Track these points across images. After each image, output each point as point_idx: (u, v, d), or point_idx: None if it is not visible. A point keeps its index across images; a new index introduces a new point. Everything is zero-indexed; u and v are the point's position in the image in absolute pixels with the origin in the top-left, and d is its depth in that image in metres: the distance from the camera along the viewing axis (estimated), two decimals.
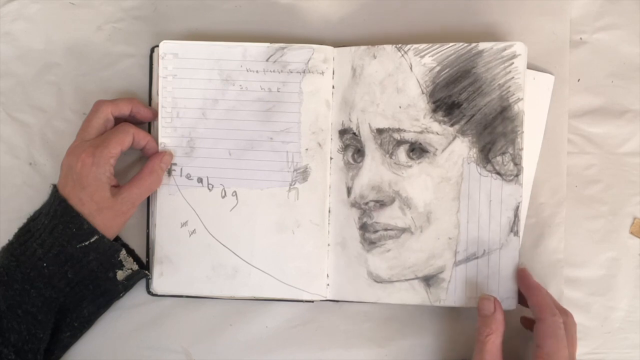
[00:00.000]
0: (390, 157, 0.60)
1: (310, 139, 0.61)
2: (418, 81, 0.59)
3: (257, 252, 0.62)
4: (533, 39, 0.62)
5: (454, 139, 0.59)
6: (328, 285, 0.62)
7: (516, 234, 0.58)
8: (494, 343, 0.55)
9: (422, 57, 0.59)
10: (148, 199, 0.63)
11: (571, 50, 0.63)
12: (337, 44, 0.62)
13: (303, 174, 0.62)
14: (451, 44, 0.59)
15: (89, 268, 0.58)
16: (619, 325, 0.63)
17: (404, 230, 0.60)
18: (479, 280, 0.59)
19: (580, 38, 0.64)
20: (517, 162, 0.58)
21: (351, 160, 0.61)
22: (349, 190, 0.61)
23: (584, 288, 0.63)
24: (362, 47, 0.61)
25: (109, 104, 0.60)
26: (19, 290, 0.55)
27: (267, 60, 0.62)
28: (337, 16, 0.64)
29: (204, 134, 0.62)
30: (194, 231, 0.62)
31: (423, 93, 0.59)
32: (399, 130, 0.60)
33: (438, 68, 0.59)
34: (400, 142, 0.60)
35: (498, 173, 0.58)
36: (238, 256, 0.62)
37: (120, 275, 0.60)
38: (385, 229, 0.60)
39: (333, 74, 0.62)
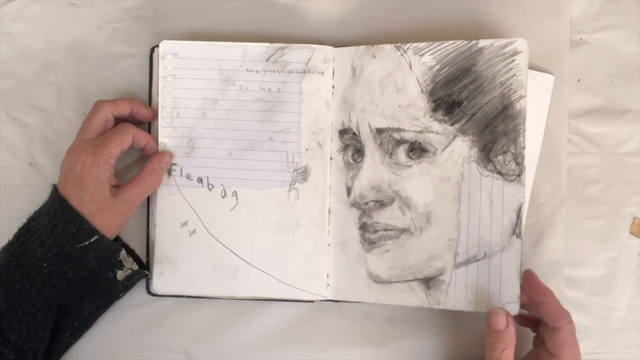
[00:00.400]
0: (390, 157, 0.60)
1: (310, 139, 0.61)
2: (418, 80, 0.59)
3: (257, 252, 0.62)
4: (533, 39, 0.62)
5: (454, 138, 0.59)
6: (328, 285, 0.62)
7: (518, 235, 0.57)
8: (509, 357, 0.54)
9: (421, 55, 0.59)
10: (148, 199, 0.63)
11: (571, 50, 0.63)
12: (337, 44, 0.62)
13: (303, 174, 0.62)
14: (451, 41, 0.58)
15: (89, 268, 0.58)
16: (619, 325, 0.63)
17: (403, 230, 0.60)
18: (479, 284, 0.58)
19: (580, 38, 0.64)
20: (519, 161, 0.57)
21: (351, 160, 0.61)
22: (348, 190, 0.61)
23: (584, 288, 0.63)
24: (362, 47, 0.61)
25: (109, 104, 0.60)
26: (19, 290, 0.55)
27: (267, 60, 0.62)
28: (337, 16, 0.64)
29: (204, 134, 0.62)
30: (194, 231, 0.62)
31: (423, 92, 0.59)
32: (398, 129, 0.60)
33: (438, 66, 0.59)
34: (400, 142, 0.60)
35: (499, 173, 0.58)
36: (238, 256, 0.62)
37: (120, 275, 0.60)
38: (385, 229, 0.60)
39: (333, 74, 0.62)
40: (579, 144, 0.64)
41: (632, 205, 0.64)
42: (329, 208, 0.62)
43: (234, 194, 0.62)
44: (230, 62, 0.62)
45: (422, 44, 0.59)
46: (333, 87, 0.62)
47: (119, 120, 0.61)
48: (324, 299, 0.62)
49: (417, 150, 0.59)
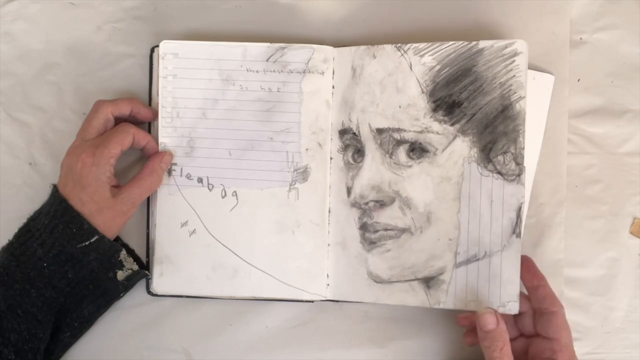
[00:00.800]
0: (390, 157, 0.60)
1: (310, 139, 0.61)
2: (418, 80, 0.59)
3: (257, 252, 0.62)
4: (533, 39, 0.62)
5: (454, 138, 0.59)
6: (328, 285, 0.62)
7: (518, 235, 0.57)
8: (508, 354, 0.54)
9: (421, 56, 0.59)
10: (148, 199, 0.63)
11: (571, 50, 0.63)
12: (337, 44, 0.62)
13: (303, 174, 0.62)
14: (451, 42, 0.58)
15: (89, 268, 0.58)
16: (619, 325, 0.63)
17: (404, 230, 0.60)
18: (479, 283, 0.58)
19: (580, 38, 0.64)
20: (518, 161, 0.57)
21: (351, 160, 0.61)
22: (349, 190, 0.61)
23: (584, 288, 0.63)
24: (362, 47, 0.61)
25: (109, 104, 0.60)
26: (19, 290, 0.55)
27: (267, 60, 0.62)
28: (337, 16, 0.64)
29: (204, 134, 0.62)
30: (194, 231, 0.62)
31: (423, 92, 0.59)
32: (399, 130, 0.60)
33: (438, 67, 0.59)
34: (400, 142, 0.60)
35: (499, 173, 0.58)
36: (238, 256, 0.62)
37: (121, 275, 0.60)
38: (385, 229, 0.60)
39: (333, 74, 0.62)
40: (579, 144, 0.64)
41: (632, 205, 0.64)
42: (329, 208, 0.62)
43: (234, 194, 0.62)
44: (231, 62, 0.62)
45: (422, 45, 0.59)
46: (333, 87, 0.62)
47: (119, 120, 0.61)
48: (324, 299, 0.62)
49: (418, 150, 0.59)
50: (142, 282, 0.62)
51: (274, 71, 0.62)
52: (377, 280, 0.60)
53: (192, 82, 0.62)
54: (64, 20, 0.65)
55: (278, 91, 0.62)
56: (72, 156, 0.58)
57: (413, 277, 0.60)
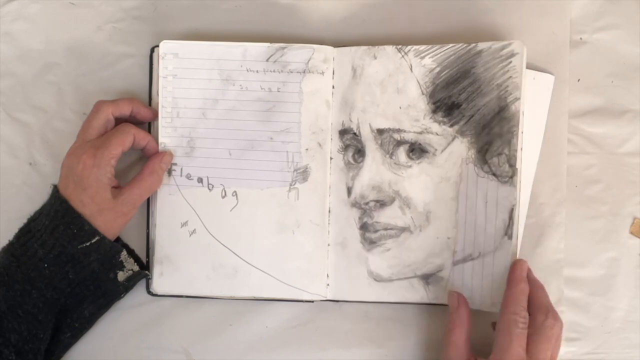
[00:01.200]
0: (391, 157, 0.60)
1: (310, 139, 0.61)
2: (418, 82, 0.59)
3: (257, 252, 0.62)
4: (533, 39, 0.62)
5: (453, 139, 0.59)
6: (328, 285, 0.62)
7: (510, 237, 0.58)
8: (458, 336, 0.56)
9: (422, 58, 0.59)
10: (148, 199, 0.62)
11: (571, 50, 0.63)
12: (337, 44, 0.62)
13: (303, 174, 0.62)
14: (451, 44, 0.59)
15: (90, 269, 0.58)
16: (619, 325, 0.63)
17: (403, 229, 0.60)
18: (474, 282, 0.59)
19: (580, 38, 0.64)
20: (512, 163, 0.58)
21: (351, 161, 0.61)
22: (349, 190, 0.61)
23: (584, 288, 0.63)
24: (363, 48, 0.61)
25: (110, 104, 0.60)
26: (19, 291, 0.55)
27: (267, 60, 0.61)
28: (337, 16, 0.64)
29: (204, 134, 0.62)
30: (194, 231, 0.62)
31: (423, 94, 0.59)
32: (399, 130, 0.60)
33: (438, 69, 0.59)
34: (400, 143, 0.60)
35: (494, 174, 0.58)
36: (238, 256, 0.62)
37: (121, 276, 0.60)
38: (386, 229, 0.60)
39: (333, 74, 0.62)
40: (579, 144, 0.64)
41: (632, 205, 0.64)
42: (329, 208, 0.62)
43: (234, 194, 0.62)
44: (231, 62, 0.62)
45: (422, 47, 0.59)
46: (333, 87, 0.62)
47: (119, 121, 0.61)
48: (324, 299, 0.62)
49: (417, 150, 0.60)
50: (142, 282, 0.63)
51: (274, 71, 0.62)
52: (378, 279, 0.61)
53: (192, 82, 0.62)
54: (64, 20, 0.65)
55: (278, 91, 0.62)
56: (72, 157, 0.58)
57: (413, 274, 0.60)
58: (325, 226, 0.62)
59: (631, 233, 0.64)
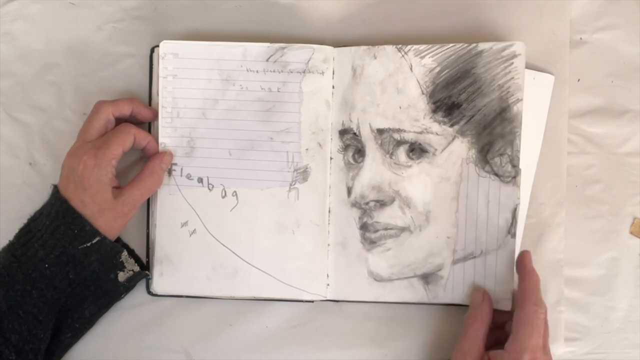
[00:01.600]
0: (391, 157, 0.60)
1: (310, 139, 0.61)
2: (418, 82, 0.59)
3: (257, 252, 0.62)
4: (533, 39, 0.62)
5: (453, 139, 0.59)
6: (328, 285, 0.62)
7: (513, 235, 0.59)
8: (477, 331, 0.56)
9: (422, 57, 0.59)
10: (148, 199, 0.62)
11: (571, 50, 0.63)
12: (337, 44, 0.62)
13: (303, 174, 0.62)
14: (451, 44, 0.59)
15: (90, 269, 0.58)
16: (619, 325, 0.63)
17: (403, 229, 0.60)
18: (476, 280, 0.60)
19: (580, 38, 0.64)
20: (514, 163, 0.58)
21: (352, 160, 0.61)
22: (349, 190, 0.61)
23: (584, 288, 0.63)
24: (363, 47, 0.61)
25: (110, 104, 0.60)
26: (20, 291, 0.55)
27: (267, 60, 0.61)
28: (337, 16, 0.64)
29: (204, 134, 0.62)
30: (194, 231, 0.62)
31: (423, 94, 0.59)
32: (399, 130, 0.60)
33: (438, 69, 0.59)
34: (400, 142, 0.60)
35: (496, 174, 0.59)
36: (238, 256, 0.62)
37: (122, 276, 0.60)
38: (386, 229, 0.60)
39: (333, 74, 0.62)
40: (579, 144, 0.64)
41: (632, 205, 0.64)
42: (329, 208, 0.62)
43: (234, 194, 0.62)
44: (230, 62, 0.62)
45: (422, 46, 0.59)
46: (333, 87, 0.62)
47: (119, 121, 0.61)
48: (324, 299, 0.62)
49: (417, 150, 0.60)
50: (142, 282, 0.63)
51: (274, 71, 0.62)
52: (378, 278, 0.61)
53: (192, 82, 0.62)
54: (64, 20, 0.65)
55: (278, 91, 0.62)
56: (73, 157, 0.58)
57: (412, 274, 0.60)
58: (325, 226, 0.62)
59: (631, 233, 0.64)
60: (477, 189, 0.59)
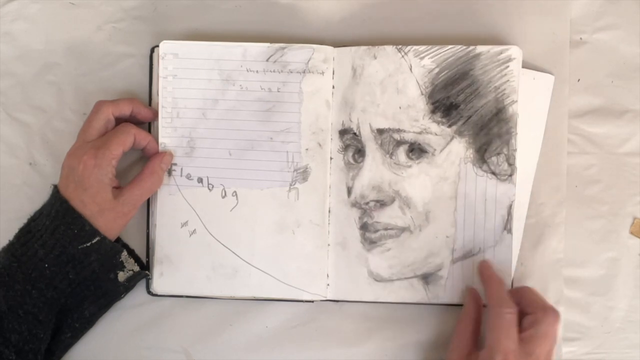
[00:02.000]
0: (391, 157, 0.60)
1: (310, 139, 0.61)
2: (417, 82, 0.59)
3: (257, 252, 0.62)
4: (533, 39, 0.62)
5: (451, 139, 0.59)
6: (328, 285, 0.62)
7: (509, 231, 0.60)
8: (464, 328, 0.58)
9: (421, 58, 0.59)
10: (148, 199, 0.62)
11: (571, 50, 0.63)
12: (337, 44, 0.62)
13: (303, 174, 0.62)
14: (450, 46, 0.59)
15: (90, 269, 0.58)
16: (619, 325, 0.63)
17: (403, 229, 0.60)
18: (475, 277, 0.60)
19: (580, 38, 0.64)
20: (511, 162, 0.59)
21: (352, 161, 0.61)
22: (349, 190, 0.61)
23: (584, 288, 0.63)
24: (363, 47, 0.61)
25: (110, 104, 0.60)
26: (20, 291, 0.55)
27: (267, 60, 0.62)
28: (337, 16, 0.64)
29: (204, 134, 0.62)
30: (194, 231, 0.62)
31: (422, 94, 0.59)
32: (399, 130, 0.60)
33: (437, 70, 0.59)
34: (400, 143, 0.60)
35: (493, 173, 0.59)
36: (238, 256, 0.62)
37: (122, 276, 0.60)
38: (386, 229, 0.61)
39: (333, 74, 0.62)
40: (579, 144, 0.64)
41: (632, 205, 0.64)
42: (329, 208, 0.62)
43: (234, 194, 0.62)
44: (230, 62, 0.62)
45: (422, 47, 0.59)
46: (333, 87, 0.62)
47: (119, 121, 0.61)
48: (324, 299, 0.62)
49: (417, 150, 0.60)
50: (142, 282, 0.63)
51: (274, 71, 0.62)
52: (378, 279, 0.61)
53: (192, 82, 0.62)
54: (64, 20, 0.65)
55: (278, 91, 0.62)
56: (73, 157, 0.58)
57: (412, 274, 0.61)
58: (325, 226, 0.62)
59: (631, 233, 0.64)
60: (474, 187, 0.60)
